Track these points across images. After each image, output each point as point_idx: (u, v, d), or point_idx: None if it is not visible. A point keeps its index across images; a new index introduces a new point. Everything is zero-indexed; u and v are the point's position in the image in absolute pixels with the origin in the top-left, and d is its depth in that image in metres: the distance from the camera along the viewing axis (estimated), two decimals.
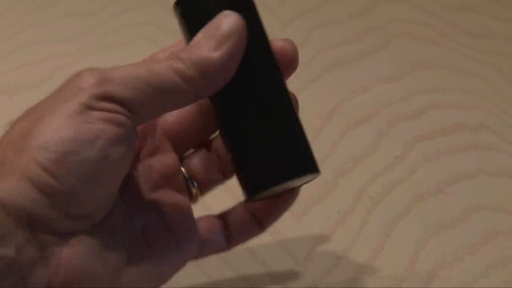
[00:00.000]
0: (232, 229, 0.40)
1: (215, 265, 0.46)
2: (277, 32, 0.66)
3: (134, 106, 0.32)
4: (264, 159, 0.35)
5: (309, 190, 0.51)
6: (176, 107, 0.34)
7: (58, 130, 0.31)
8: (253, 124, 0.35)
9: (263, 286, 0.45)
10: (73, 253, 0.31)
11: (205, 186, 0.40)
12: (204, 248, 0.39)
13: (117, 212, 0.34)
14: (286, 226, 0.48)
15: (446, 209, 0.50)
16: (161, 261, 0.36)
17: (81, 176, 0.31)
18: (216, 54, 0.33)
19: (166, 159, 0.38)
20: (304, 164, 0.35)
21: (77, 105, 0.31)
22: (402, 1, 0.70)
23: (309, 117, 0.58)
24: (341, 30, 0.66)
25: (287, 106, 0.36)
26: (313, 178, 0.36)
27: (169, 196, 0.38)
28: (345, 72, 0.62)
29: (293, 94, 0.37)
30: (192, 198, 0.39)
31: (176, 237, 0.37)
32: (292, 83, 0.60)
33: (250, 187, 0.35)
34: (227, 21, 0.34)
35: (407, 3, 0.70)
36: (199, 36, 0.34)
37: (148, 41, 0.65)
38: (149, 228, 0.36)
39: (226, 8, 0.35)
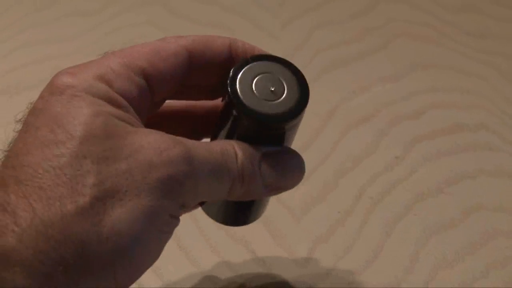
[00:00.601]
0: None
1: (215, 265, 0.46)
2: (277, 32, 0.66)
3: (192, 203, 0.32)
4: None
5: (309, 190, 0.51)
6: (210, 199, 0.35)
7: (136, 238, 0.29)
8: None
9: (263, 286, 0.45)
10: None
11: None
12: None
13: None
14: (286, 226, 0.48)
15: (446, 209, 0.50)
16: None
17: (128, 279, 0.30)
18: (267, 193, 0.35)
19: None
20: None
21: (164, 212, 0.30)
22: (402, 1, 0.70)
23: (309, 117, 0.58)
24: (341, 30, 0.66)
25: None
26: None
27: None
28: (345, 72, 0.62)
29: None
30: None
31: None
32: None
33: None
34: (296, 166, 0.35)
35: (407, 3, 0.70)
36: (266, 166, 0.34)
37: (148, 41, 0.65)
38: None
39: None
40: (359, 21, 0.68)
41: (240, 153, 0.33)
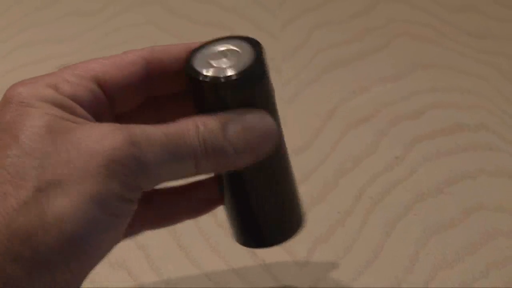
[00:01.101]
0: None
1: (215, 265, 0.46)
2: (277, 32, 0.66)
3: (151, 183, 0.32)
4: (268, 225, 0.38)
5: (309, 190, 0.51)
6: (177, 179, 0.34)
7: (81, 225, 0.29)
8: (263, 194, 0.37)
9: (263, 286, 0.45)
10: None
11: None
12: None
13: None
14: None
15: (446, 209, 0.50)
16: None
17: (83, 268, 0.30)
18: (239, 162, 0.34)
19: None
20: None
21: (111, 195, 0.30)
22: (402, 1, 0.70)
23: (309, 117, 0.58)
24: (341, 30, 0.66)
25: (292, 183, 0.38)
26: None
27: None
28: (345, 72, 0.62)
29: None
30: None
31: None
32: (292, 83, 0.61)
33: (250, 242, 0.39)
34: (265, 125, 0.34)
35: (407, 3, 0.70)
36: (230, 123, 0.33)
37: (148, 41, 0.65)
38: None
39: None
40: (359, 21, 0.68)
41: (202, 127, 0.33)
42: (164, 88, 0.36)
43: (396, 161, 0.54)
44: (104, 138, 0.30)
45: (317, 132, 0.56)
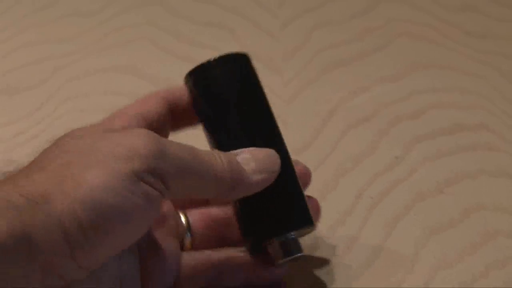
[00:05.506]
0: None
1: None
2: (277, 32, 0.66)
3: (174, 188, 0.35)
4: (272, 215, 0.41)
5: (309, 190, 0.51)
6: (202, 196, 0.40)
7: (105, 192, 0.32)
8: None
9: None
10: None
11: (199, 237, 0.42)
12: None
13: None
14: None
15: (446, 209, 0.50)
16: None
17: (107, 244, 0.33)
18: (256, 178, 0.39)
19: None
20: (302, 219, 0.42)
21: (130, 172, 0.33)
22: (402, 1, 0.70)
23: (309, 117, 0.58)
24: (341, 30, 0.66)
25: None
26: (310, 231, 0.43)
27: (160, 239, 0.39)
28: (345, 72, 0.62)
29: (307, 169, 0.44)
30: (184, 246, 0.41)
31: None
32: (292, 83, 0.61)
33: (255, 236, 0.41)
34: (274, 157, 0.40)
35: (407, 3, 0.70)
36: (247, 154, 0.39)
37: (148, 41, 0.65)
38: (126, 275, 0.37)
39: (235, 86, 0.41)
40: (359, 21, 0.68)
41: (216, 152, 0.38)
42: (184, 122, 0.42)
43: (396, 161, 0.53)
44: (134, 132, 0.35)
45: (317, 132, 0.56)
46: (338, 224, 0.49)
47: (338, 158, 0.54)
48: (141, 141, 0.34)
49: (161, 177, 0.34)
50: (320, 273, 0.45)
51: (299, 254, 0.41)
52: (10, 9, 0.69)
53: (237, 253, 0.41)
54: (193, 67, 0.42)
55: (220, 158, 0.37)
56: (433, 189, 0.51)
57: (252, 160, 0.38)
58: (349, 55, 0.63)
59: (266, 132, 0.42)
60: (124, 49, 0.64)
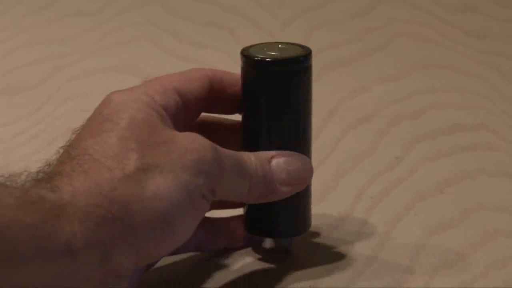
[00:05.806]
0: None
1: (215, 265, 0.46)
2: (277, 32, 0.66)
3: (218, 196, 0.37)
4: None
5: None
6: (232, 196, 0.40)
7: (171, 206, 0.34)
8: None
9: (264, 286, 0.45)
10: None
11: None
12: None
13: None
14: None
15: (446, 209, 0.50)
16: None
17: (164, 247, 0.35)
18: (284, 190, 0.40)
19: None
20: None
21: (195, 189, 0.35)
22: (402, 1, 0.70)
23: None
24: (341, 30, 0.66)
25: None
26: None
27: None
28: (345, 72, 0.62)
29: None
30: None
31: None
32: None
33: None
34: (307, 167, 0.41)
35: (407, 3, 0.70)
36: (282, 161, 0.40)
37: (148, 41, 0.65)
38: None
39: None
40: (360, 21, 0.68)
41: (253, 157, 0.39)
42: (219, 107, 0.42)
43: (396, 161, 0.54)
44: (196, 140, 0.36)
45: (317, 132, 0.56)
46: (338, 224, 0.49)
47: (338, 158, 0.54)
48: (208, 153, 0.36)
49: (214, 190, 0.36)
50: (320, 273, 0.45)
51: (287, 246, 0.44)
52: (10, 9, 0.69)
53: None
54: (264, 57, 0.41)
55: (255, 165, 0.38)
56: (433, 189, 0.51)
57: (284, 169, 0.40)
58: (349, 55, 0.63)
59: (308, 139, 0.42)
60: (124, 49, 0.64)
